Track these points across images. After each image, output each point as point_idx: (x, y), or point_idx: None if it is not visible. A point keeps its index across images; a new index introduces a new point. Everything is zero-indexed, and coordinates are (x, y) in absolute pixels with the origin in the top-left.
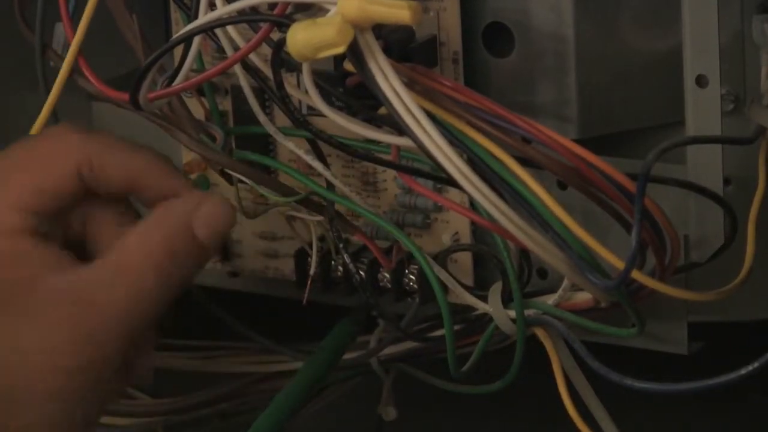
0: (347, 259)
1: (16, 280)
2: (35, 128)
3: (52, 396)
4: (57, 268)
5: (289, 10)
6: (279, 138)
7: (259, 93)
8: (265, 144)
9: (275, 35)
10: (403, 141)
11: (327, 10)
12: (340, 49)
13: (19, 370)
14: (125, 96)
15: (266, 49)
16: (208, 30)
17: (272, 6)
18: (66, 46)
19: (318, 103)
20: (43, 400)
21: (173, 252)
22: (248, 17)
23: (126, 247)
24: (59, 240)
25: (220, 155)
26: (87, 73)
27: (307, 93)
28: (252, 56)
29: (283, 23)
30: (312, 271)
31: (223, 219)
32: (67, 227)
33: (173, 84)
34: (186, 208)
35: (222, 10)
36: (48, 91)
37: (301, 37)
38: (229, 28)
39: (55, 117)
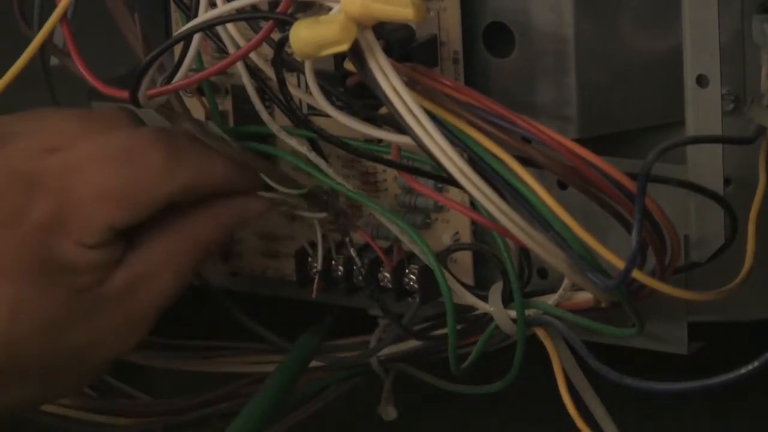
0: (353, 253)
1: (76, 287)
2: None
3: (98, 370)
4: (113, 266)
5: (290, 9)
6: (282, 136)
7: (259, 93)
8: (265, 144)
9: (275, 35)
10: (406, 139)
11: (329, 8)
12: (344, 47)
13: (73, 361)
14: (124, 94)
15: (266, 49)
16: (209, 27)
17: (273, 5)
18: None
19: (321, 101)
20: (89, 375)
21: (212, 243)
22: (250, 15)
23: (174, 235)
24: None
25: (225, 145)
26: (84, 73)
27: (307, 92)
28: (253, 56)
29: (286, 21)
30: (319, 265)
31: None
32: None
33: (172, 81)
34: (232, 209)
35: (223, 8)
36: (51, 89)
37: (304, 35)
38: (230, 28)
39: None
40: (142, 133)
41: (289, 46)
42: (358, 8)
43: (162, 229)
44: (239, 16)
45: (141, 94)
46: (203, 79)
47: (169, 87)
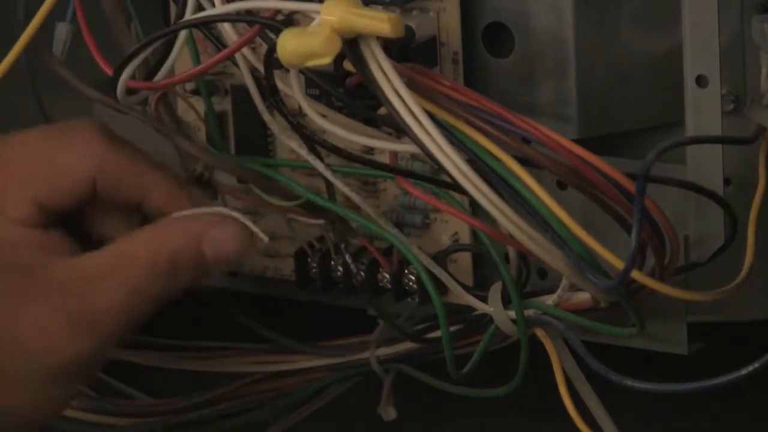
0: (348, 260)
1: (20, 265)
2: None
3: (52, 379)
4: (59, 255)
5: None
6: (282, 138)
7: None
8: (264, 144)
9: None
10: (403, 147)
11: (312, 19)
12: (326, 60)
13: (17, 353)
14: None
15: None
16: (194, 26)
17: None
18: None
19: (306, 107)
20: (41, 383)
21: (176, 258)
22: (240, 18)
23: (132, 239)
24: (67, 233)
25: (221, 160)
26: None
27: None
28: (251, 57)
29: (275, 27)
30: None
31: (234, 245)
32: (80, 224)
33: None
34: (200, 226)
35: (216, 9)
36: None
37: (290, 45)
38: (229, 30)
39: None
40: (87, 124)
41: None
42: (337, 21)
43: (124, 236)
44: (228, 17)
45: (120, 86)
46: (181, 83)
47: (149, 84)
